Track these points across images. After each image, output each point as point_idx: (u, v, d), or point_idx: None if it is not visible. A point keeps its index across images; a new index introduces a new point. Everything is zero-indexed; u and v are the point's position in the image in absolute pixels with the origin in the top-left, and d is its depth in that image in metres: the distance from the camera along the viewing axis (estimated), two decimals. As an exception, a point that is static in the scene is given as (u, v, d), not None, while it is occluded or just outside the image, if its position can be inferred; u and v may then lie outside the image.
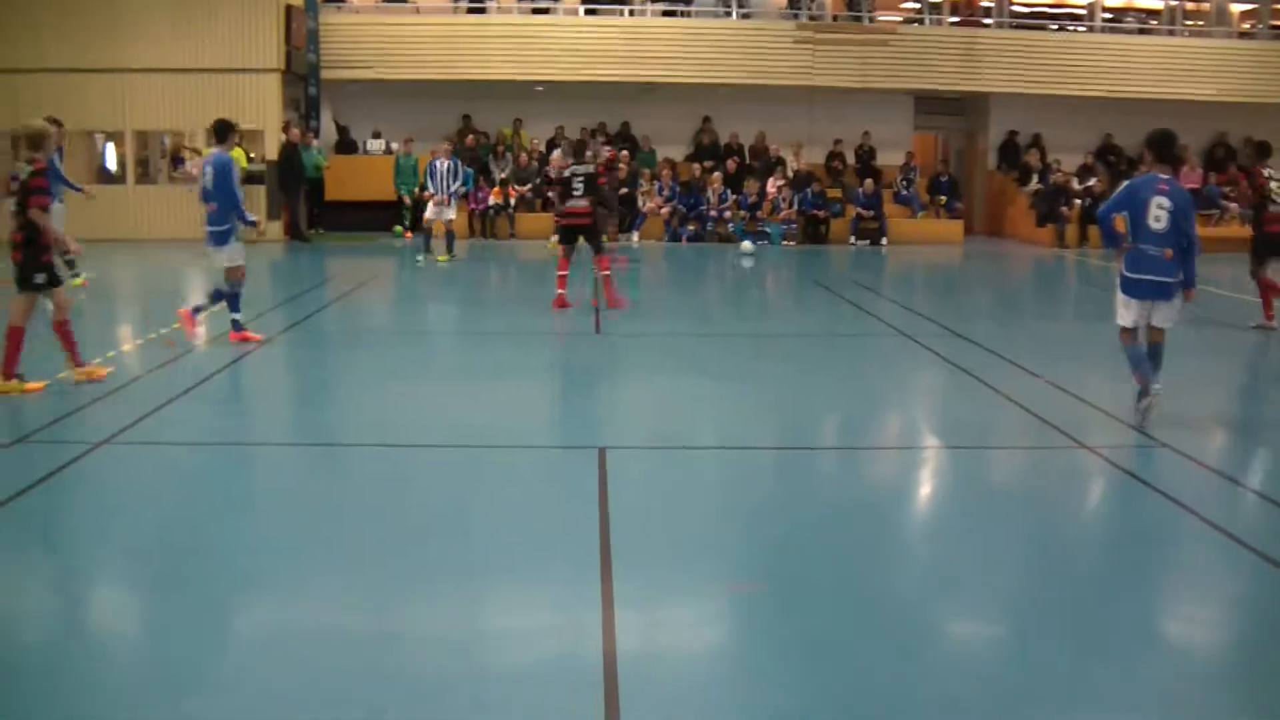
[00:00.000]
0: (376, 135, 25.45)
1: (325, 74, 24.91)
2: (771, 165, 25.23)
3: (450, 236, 20.02)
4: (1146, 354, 8.65)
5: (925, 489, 7.45)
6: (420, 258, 19.69)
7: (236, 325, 11.56)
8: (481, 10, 25.87)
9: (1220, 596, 5.46)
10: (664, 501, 6.74)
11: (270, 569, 5.52)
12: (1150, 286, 8.51)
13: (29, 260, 8.99)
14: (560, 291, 14.31)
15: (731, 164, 25.11)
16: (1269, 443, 8.58)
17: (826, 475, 7.72)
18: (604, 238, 15.53)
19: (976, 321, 14.62)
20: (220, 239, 11.44)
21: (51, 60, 22.96)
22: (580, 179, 14.32)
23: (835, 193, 25.31)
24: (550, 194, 22.02)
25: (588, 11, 26.16)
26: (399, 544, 5.88)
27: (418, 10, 26.41)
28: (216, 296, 11.56)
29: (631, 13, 26.02)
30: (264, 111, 23.37)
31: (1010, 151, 27.39)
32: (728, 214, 24.28)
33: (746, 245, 22.29)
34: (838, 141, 26.45)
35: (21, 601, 5.16)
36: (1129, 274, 8.61)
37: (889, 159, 26.71)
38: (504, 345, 12.19)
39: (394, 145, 24.55)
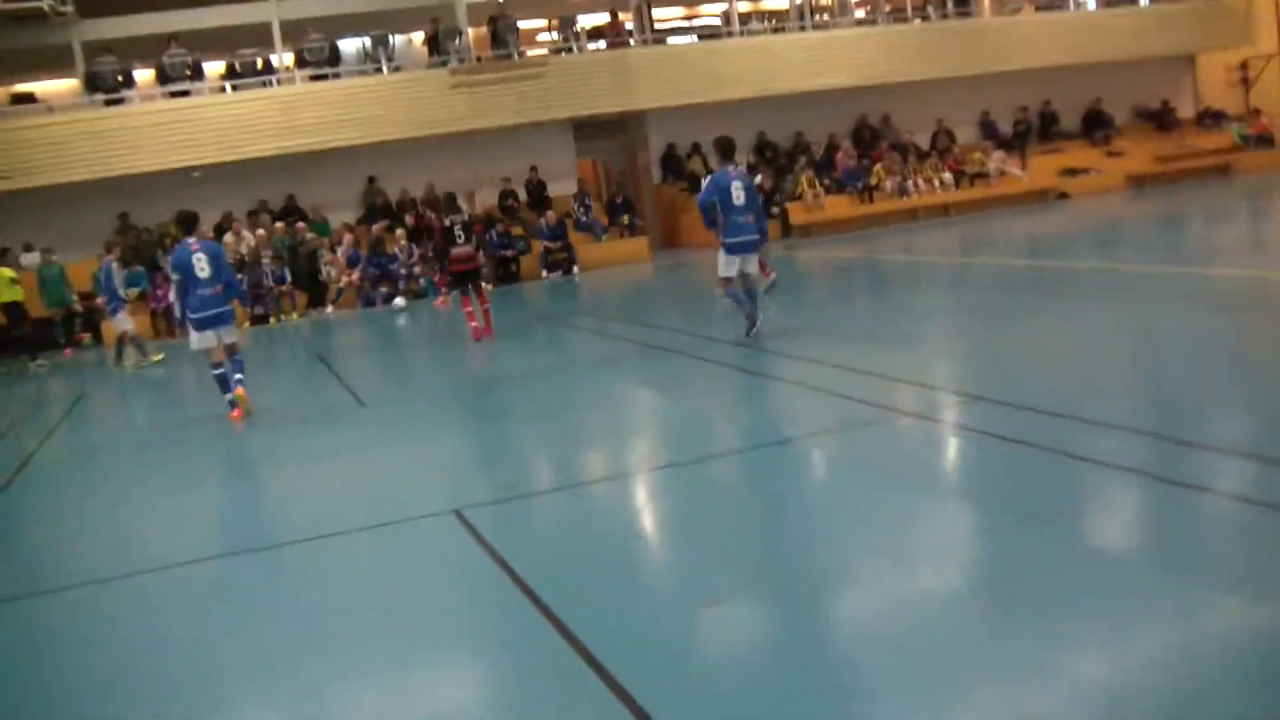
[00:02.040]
0: (28, 248, 24.95)
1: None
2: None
3: (136, 339, 20.15)
4: (745, 294, 12.91)
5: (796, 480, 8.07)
6: (123, 365, 19.70)
7: None
8: (120, 101, 25.77)
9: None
10: (553, 546, 7.04)
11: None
12: (745, 245, 12.83)
13: None
14: (473, 324, 16.44)
15: (410, 218, 26.04)
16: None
17: (723, 481, 8.23)
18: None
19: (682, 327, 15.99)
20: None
21: None
22: (459, 226, 16.27)
23: (518, 230, 26.63)
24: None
25: (234, 88, 26.52)
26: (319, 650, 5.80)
27: (51, 110, 26.02)
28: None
29: (279, 82, 26.56)
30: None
31: (673, 163, 29.45)
32: (418, 269, 25.19)
33: (399, 302, 24.10)
34: (507, 179, 27.74)
35: None
36: (729, 239, 12.80)
37: (560, 189, 28.20)
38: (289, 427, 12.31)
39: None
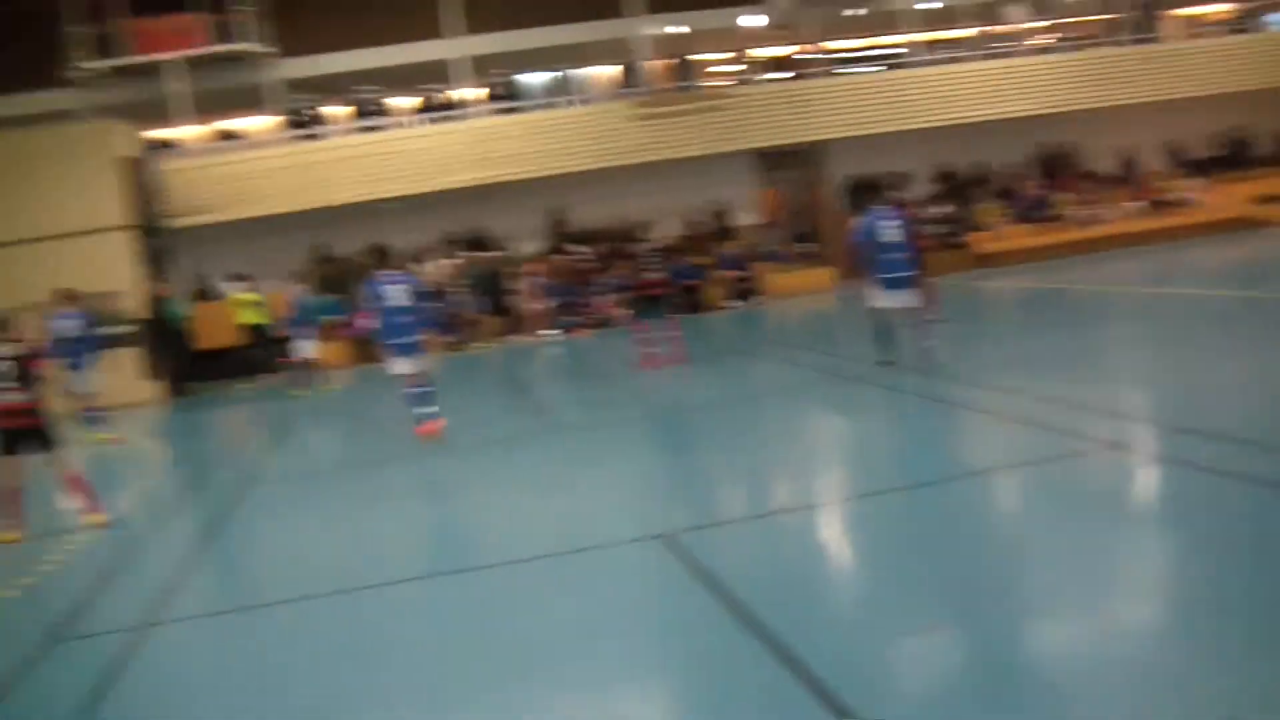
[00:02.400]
0: (237, 277, 25.91)
1: (174, 222, 25.38)
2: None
3: (317, 367, 20.96)
4: (898, 328, 13.54)
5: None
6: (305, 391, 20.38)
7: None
8: (315, 137, 26.73)
9: None
10: (759, 571, 7.06)
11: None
12: (900, 281, 13.31)
13: None
14: (645, 351, 16.95)
15: (599, 248, 26.39)
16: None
17: (920, 511, 8.14)
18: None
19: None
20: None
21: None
22: (650, 254, 17.75)
23: (703, 259, 26.82)
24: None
25: (428, 122, 27.31)
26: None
27: (253, 145, 27.12)
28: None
29: (469, 116, 27.28)
30: (120, 270, 23.66)
31: (857, 194, 29.38)
32: (604, 298, 25.46)
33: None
34: (691, 210, 28.04)
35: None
36: (884, 275, 13.37)
37: (742, 219, 28.46)
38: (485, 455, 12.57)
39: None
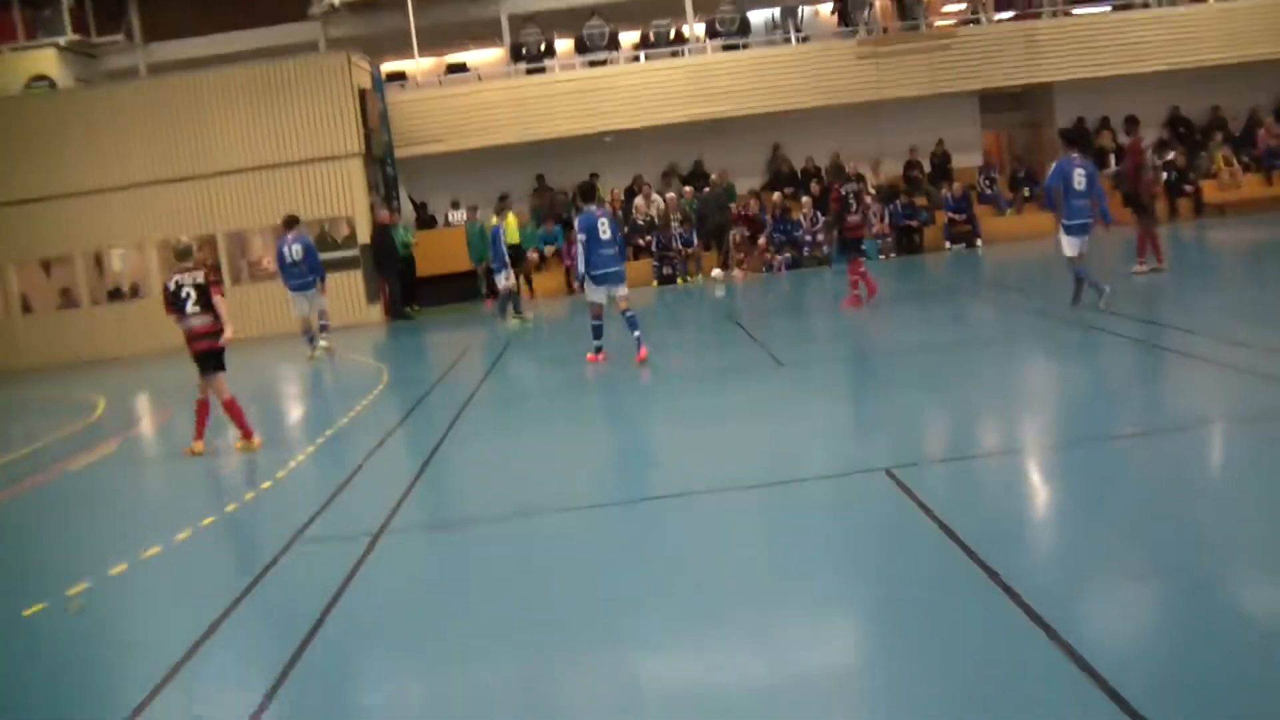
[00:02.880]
0: (455, 205, 26.73)
1: (399, 152, 26.23)
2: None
3: (515, 298, 21.47)
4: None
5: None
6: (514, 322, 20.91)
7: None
8: (541, 70, 27.20)
9: None
10: (987, 509, 7.10)
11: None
12: (1081, 227, 14.07)
13: None
14: (854, 293, 17.06)
15: (815, 187, 26.28)
16: None
17: (1147, 457, 8.04)
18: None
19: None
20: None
21: (139, 175, 24.35)
22: (852, 196, 17.21)
23: (922, 200, 26.49)
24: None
25: (647, 57, 27.50)
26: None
27: (479, 78, 27.76)
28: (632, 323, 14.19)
29: (690, 52, 27.39)
30: (350, 196, 24.59)
31: (1081, 137, 28.53)
32: (820, 237, 25.41)
33: (716, 273, 22.86)
34: (912, 150, 27.67)
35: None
36: (1068, 221, 14.10)
37: (963, 161, 27.90)
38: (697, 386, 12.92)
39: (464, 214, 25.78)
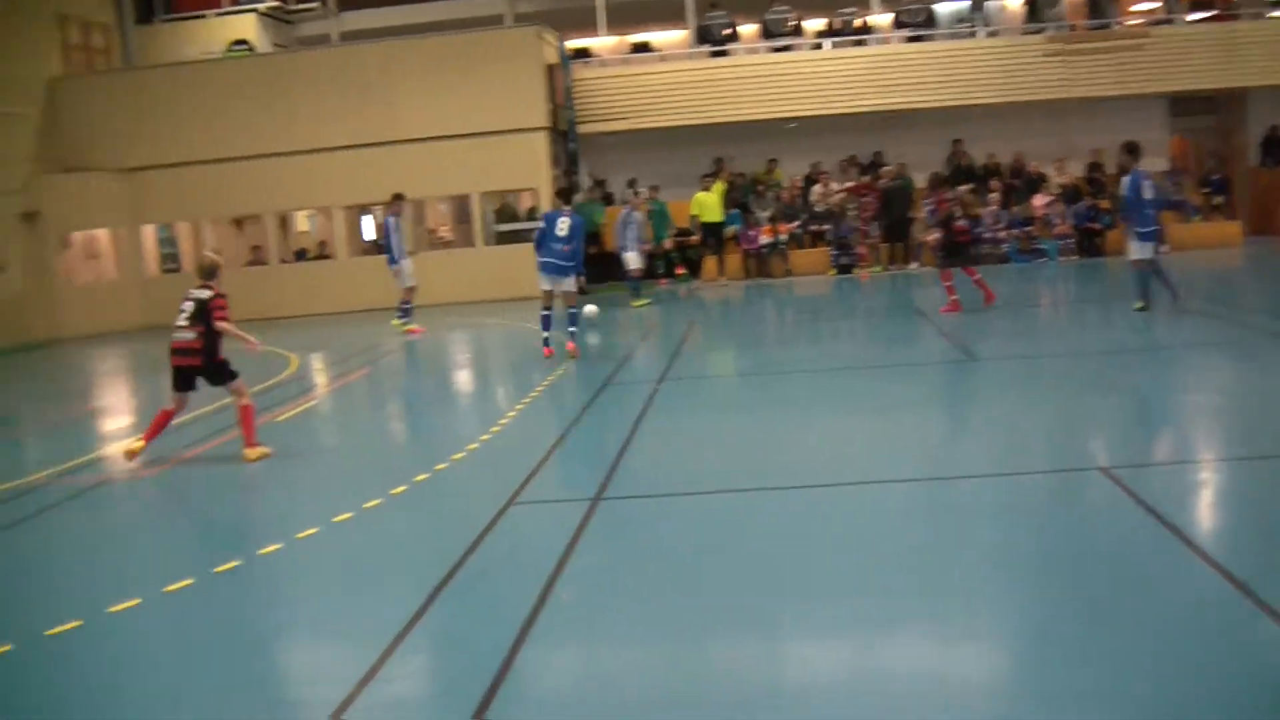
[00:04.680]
0: (631, 184, 27.12)
1: (582, 128, 26.76)
2: (1034, 182, 26.33)
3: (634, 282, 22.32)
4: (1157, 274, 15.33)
5: None
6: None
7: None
8: (724, 54, 27.52)
9: None
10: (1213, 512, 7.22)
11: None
12: (1154, 234, 15.38)
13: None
14: (953, 298, 17.07)
15: (996, 184, 26.22)
16: None
17: None
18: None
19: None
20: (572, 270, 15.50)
21: (329, 140, 25.23)
22: None
23: (1105, 203, 26.24)
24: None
25: (832, 45, 27.64)
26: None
27: (664, 59, 28.19)
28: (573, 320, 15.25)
29: (875, 42, 27.49)
30: (536, 170, 25.19)
31: (1274, 146, 28.03)
32: (1002, 234, 25.37)
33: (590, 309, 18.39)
34: (1096, 151, 27.39)
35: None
36: (1141, 229, 15.23)
37: (1148, 165, 27.53)
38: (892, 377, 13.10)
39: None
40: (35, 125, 25.63)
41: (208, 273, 11.00)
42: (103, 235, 26.72)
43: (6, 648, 6.06)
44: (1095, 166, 27.09)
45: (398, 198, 19.89)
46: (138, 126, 25.98)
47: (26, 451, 13.00)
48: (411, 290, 20.02)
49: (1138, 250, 15.51)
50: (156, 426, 10.88)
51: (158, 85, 26.45)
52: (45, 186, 24.90)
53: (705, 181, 25.70)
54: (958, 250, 17.53)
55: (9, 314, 23.32)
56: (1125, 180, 15.92)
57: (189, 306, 10.75)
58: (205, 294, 10.77)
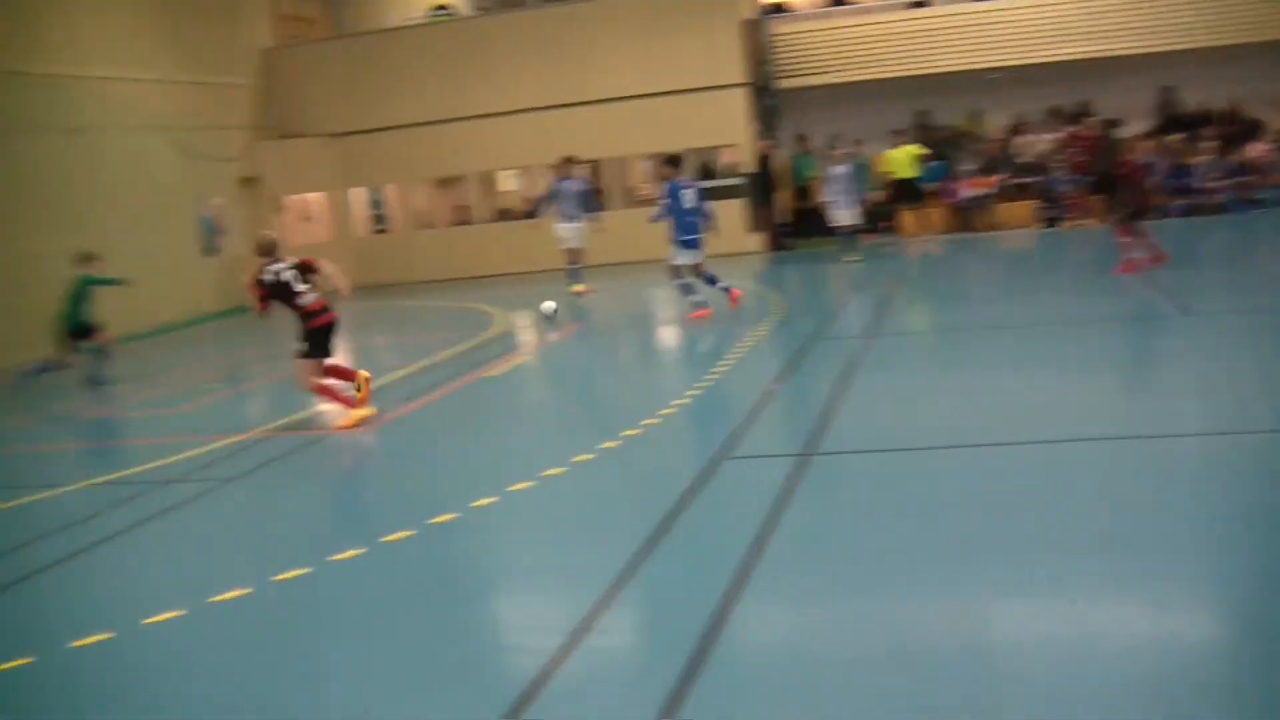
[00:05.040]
0: (833, 142, 26.97)
1: (781, 84, 26.69)
2: (1251, 129, 25.39)
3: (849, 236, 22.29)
4: None
5: None
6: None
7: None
8: (924, 4, 27.11)
9: None
10: None
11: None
12: None
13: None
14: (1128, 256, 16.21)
15: (1209, 131, 25.36)
16: None
17: None
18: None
19: None
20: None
21: (529, 100, 25.72)
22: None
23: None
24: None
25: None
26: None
27: (862, 11, 27.89)
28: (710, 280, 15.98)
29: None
30: (735, 126, 25.25)
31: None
32: (1217, 184, 24.55)
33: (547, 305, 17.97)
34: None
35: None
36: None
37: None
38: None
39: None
40: (251, 94, 26.60)
41: (271, 248, 11.45)
42: (316, 199, 27.63)
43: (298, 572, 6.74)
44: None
45: (568, 161, 20.06)
46: (347, 92, 26.87)
47: (252, 406, 13.67)
48: (575, 252, 20.21)
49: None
50: (333, 394, 11.39)
51: (364, 52, 27.30)
52: (262, 152, 25.86)
53: (895, 139, 25.40)
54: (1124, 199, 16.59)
55: (232, 278, 24.30)
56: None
57: (293, 273, 11.31)
58: (288, 262, 11.31)
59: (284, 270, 11.28)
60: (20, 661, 6.00)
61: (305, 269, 11.36)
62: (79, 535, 8.36)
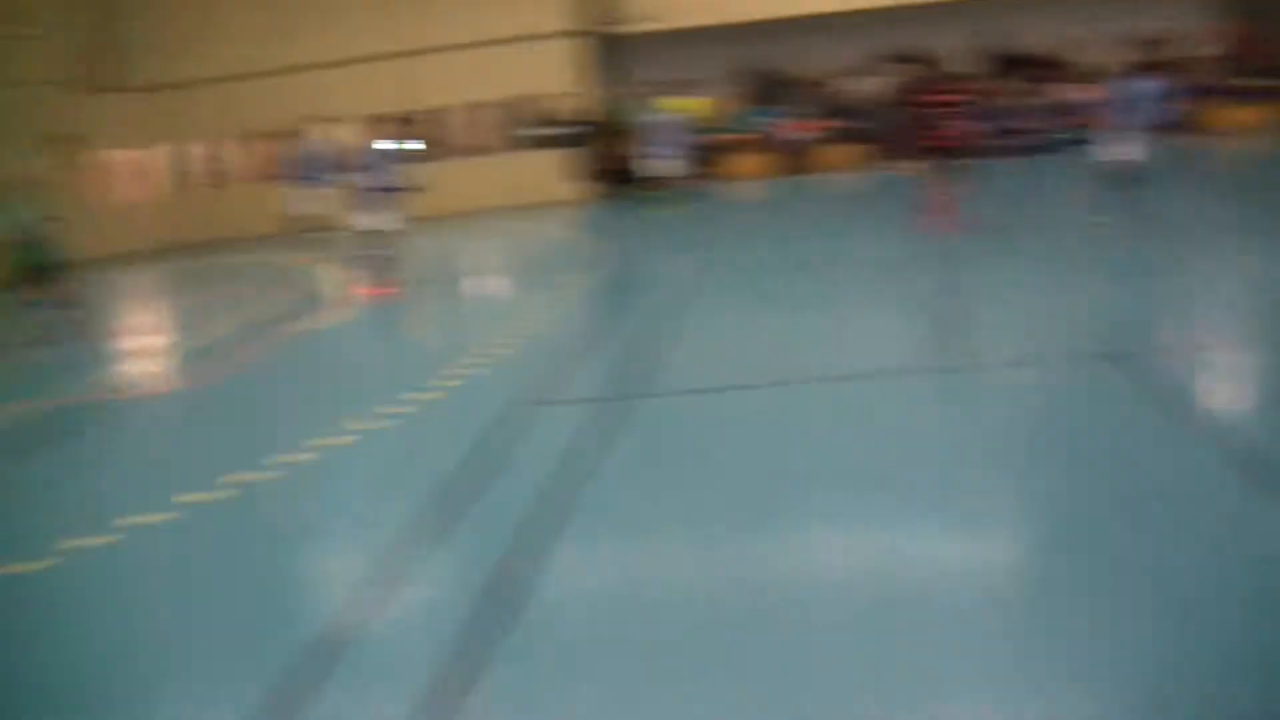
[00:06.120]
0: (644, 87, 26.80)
1: (616, 29, 26.61)
2: (1069, 71, 25.89)
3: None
4: None
5: None
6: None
7: None
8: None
9: None
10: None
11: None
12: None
13: None
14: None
15: (1028, 74, 25.83)
16: None
17: None
18: None
19: None
20: None
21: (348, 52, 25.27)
22: None
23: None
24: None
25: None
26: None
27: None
28: None
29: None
30: (565, 74, 25.23)
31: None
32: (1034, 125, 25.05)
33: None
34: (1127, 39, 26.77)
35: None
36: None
37: (1191, 50, 26.77)
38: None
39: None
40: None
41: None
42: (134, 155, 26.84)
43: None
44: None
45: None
46: (165, 45, 26.08)
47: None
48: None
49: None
50: None
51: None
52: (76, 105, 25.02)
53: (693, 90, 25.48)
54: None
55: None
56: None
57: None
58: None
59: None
60: None
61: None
62: None
